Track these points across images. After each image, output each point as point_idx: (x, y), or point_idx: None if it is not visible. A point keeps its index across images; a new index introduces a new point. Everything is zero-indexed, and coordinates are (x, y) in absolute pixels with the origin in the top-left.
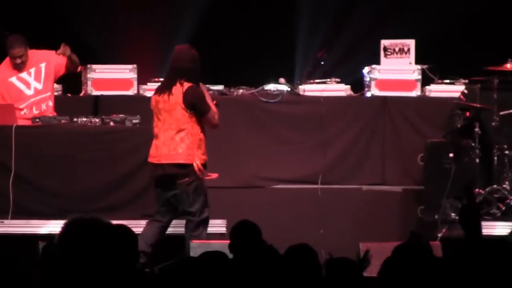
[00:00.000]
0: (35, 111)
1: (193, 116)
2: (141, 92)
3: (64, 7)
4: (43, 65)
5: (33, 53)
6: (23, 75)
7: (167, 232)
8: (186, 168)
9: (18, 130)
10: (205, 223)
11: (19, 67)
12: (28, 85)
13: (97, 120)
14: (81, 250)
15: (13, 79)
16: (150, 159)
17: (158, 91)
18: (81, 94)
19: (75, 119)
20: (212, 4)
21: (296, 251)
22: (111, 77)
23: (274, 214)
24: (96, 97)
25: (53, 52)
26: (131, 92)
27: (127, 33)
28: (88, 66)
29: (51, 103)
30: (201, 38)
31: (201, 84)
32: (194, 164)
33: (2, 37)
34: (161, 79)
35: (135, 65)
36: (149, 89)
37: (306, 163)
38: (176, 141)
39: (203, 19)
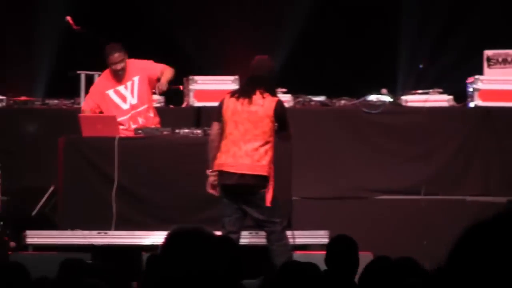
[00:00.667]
0: (132, 126)
1: (274, 130)
2: None
3: (166, 18)
4: (136, 79)
5: (130, 63)
6: (120, 88)
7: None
8: (267, 180)
9: (120, 141)
10: (285, 231)
11: (119, 75)
12: (124, 99)
13: (199, 131)
14: (185, 261)
15: (110, 92)
16: (225, 168)
17: (236, 97)
18: (183, 106)
19: (177, 131)
20: (314, 14)
21: (400, 264)
22: (213, 88)
23: (376, 225)
24: (198, 108)
25: (149, 62)
26: None
27: (229, 44)
28: (190, 77)
29: (151, 114)
30: (303, 49)
31: None
32: (271, 177)
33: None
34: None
35: (237, 76)
36: None
37: (408, 174)
38: (261, 153)
39: (304, 30)
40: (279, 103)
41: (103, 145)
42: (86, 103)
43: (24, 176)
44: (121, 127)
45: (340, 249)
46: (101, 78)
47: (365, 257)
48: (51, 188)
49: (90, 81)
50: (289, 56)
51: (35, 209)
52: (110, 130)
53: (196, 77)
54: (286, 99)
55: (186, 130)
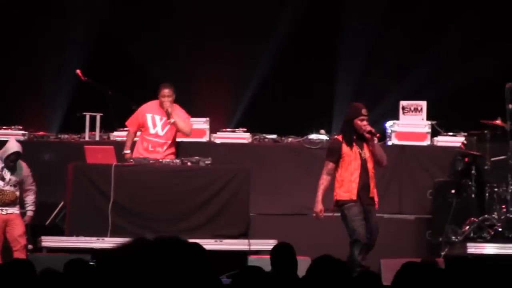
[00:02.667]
0: (150, 148)
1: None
2: (212, 139)
3: (151, 69)
4: (172, 120)
5: (177, 107)
6: (157, 116)
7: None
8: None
9: (116, 168)
10: (353, 244)
11: (163, 106)
12: (154, 125)
13: (178, 161)
14: (165, 265)
15: (148, 116)
16: None
17: None
18: None
19: (161, 160)
20: (271, 69)
21: (321, 261)
22: None
23: (315, 235)
24: (178, 142)
25: (187, 117)
26: (204, 139)
27: (202, 89)
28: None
29: (165, 148)
30: (261, 96)
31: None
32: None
33: (104, 94)
34: (228, 129)
35: (208, 118)
36: (219, 137)
37: None
38: None
39: (263, 81)
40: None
41: (103, 170)
42: (134, 124)
43: (41, 194)
44: (144, 144)
45: (281, 253)
46: (150, 103)
47: (304, 261)
48: (61, 203)
49: (93, 120)
50: (249, 101)
51: (48, 220)
52: (108, 159)
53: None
54: (246, 136)
55: (168, 160)
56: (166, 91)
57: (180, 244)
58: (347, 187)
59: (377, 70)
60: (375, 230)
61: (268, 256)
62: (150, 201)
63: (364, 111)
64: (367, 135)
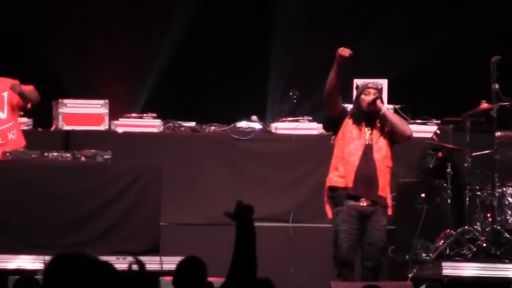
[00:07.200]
0: (1, 141)
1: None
2: (112, 127)
3: (34, 40)
4: (5, 94)
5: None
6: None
7: None
8: None
9: None
10: (334, 260)
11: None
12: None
13: (68, 155)
14: (69, 286)
15: None
16: None
17: None
18: (52, 129)
19: (46, 154)
20: (186, 39)
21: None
22: (82, 112)
23: None
24: (67, 131)
25: (16, 81)
26: (103, 127)
27: (100, 67)
28: (60, 100)
29: (15, 133)
30: (174, 74)
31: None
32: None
33: None
34: (133, 114)
35: (106, 100)
36: (121, 124)
37: (277, 201)
38: None
39: (177, 55)
40: None
41: None
42: None
43: None
44: None
45: (189, 271)
46: None
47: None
48: None
49: None
50: (159, 81)
51: None
52: None
53: (66, 100)
54: (156, 124)
55: (55, 154)
56: None
57: (89, 261)
58: (341, 170)
59: (319, 41)
60: (375, 243)
61: None
62: (29, 207)
63: (371, 84)
64: (371, 107)
